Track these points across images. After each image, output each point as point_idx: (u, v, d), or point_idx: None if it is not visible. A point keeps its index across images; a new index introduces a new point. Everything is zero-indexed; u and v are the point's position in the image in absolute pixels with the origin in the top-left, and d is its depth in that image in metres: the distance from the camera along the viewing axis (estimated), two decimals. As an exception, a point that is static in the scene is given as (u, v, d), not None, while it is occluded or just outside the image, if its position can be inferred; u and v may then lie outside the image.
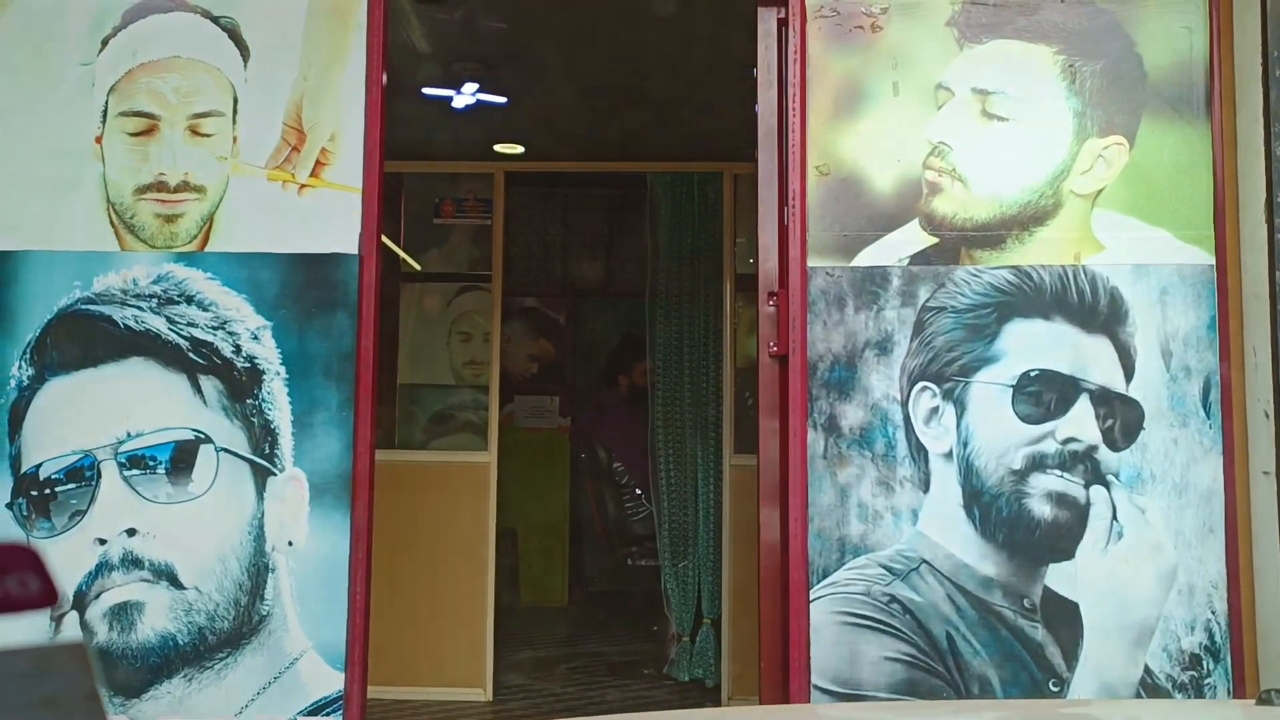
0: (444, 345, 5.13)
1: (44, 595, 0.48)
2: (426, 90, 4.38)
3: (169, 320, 2.69)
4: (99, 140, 2.78)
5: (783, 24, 2.79)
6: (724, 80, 3.96)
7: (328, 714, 2.61)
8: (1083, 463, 2.60)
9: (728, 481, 4.56)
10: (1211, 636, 2.58)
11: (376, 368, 2.74)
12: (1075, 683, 2.55)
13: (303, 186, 2.76)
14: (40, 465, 2.66)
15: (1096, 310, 2.64)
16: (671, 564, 4.76)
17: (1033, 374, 2.62)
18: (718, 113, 4.39)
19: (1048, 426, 2.60)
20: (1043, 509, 2.59)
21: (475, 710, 4.33)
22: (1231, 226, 2.70)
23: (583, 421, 6.84)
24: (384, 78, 2.80)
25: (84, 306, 2.71)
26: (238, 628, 2.63)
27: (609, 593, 6.77)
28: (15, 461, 2.67)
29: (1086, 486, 2.59)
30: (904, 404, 2.64)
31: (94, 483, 2.64)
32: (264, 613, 2.63)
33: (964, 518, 2.60)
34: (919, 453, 2.63)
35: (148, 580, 2.61)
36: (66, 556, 2.60)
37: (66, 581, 2.61)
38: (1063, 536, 2.59)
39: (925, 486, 2.62)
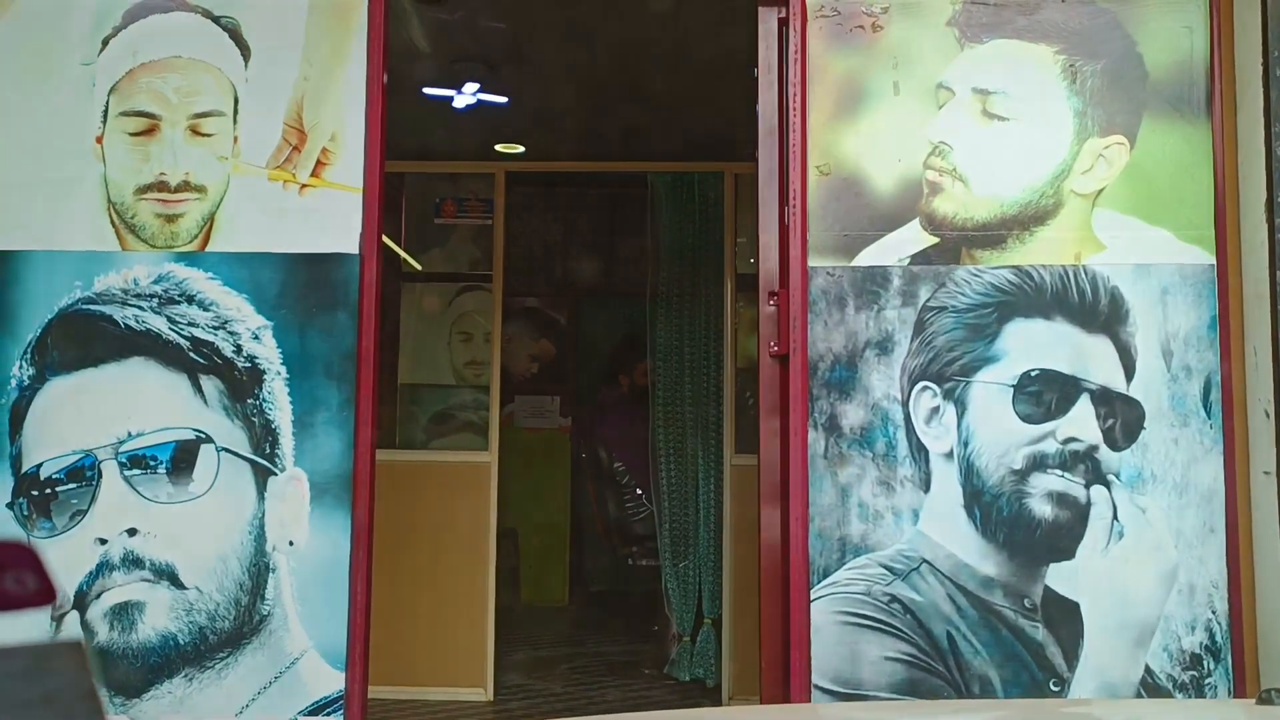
0: (445, 345, 5.13)
1: (41, 593, 0.48)
2: (427, 90, 4.39)
3: (170, 320, 2.69)
4: (100, 140, 2.78)
5: (783, 24, 2.79)
6: (725, 79, 3.96)
7: (328, 714, 2.61)
8: (1083, 462, 2.60)
9: (728, 481, 4.56)
10: (1212, 636, 2.58)
11: (377, 367, 2.74)
12: (1076, 682, 2.55)
13: (303, 186, 2.76)
14: (41, 465, 2.66)
15: (1097, 310, 2.64)
16: (672, 564, 4.76)
17: (1033, 374, 2.62)
18: (718, 112, 4.39)
19: (1048, 426, 2.60)
20: (1043, 509, 2.59)
21: (476, 710, 4.33)
22: (1232, 226, 2.70)
23: (583, 421, 6.84)
24: (385, 78, 2.81)
25: (85, 306, 2.71)
26: (238, 627, 2.63)
27: (610, 592, 6.77)
28: (16, 461, 2.67)
29: (1087, 486, 2.59)
30: (904, 404, 2.64)
31: (95, 482, 2.64)
32: (265, 612, 2.63)
33: (965, 517, 2.60)
34: (919, 452, 2.63)
35: (148, 580, 2.62)
36: (67, 556, 2.60)
37: (67, 581, 2.61)
38: (1063, 536, 2.59)
39: (926, 486, 2.62)
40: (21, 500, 2.66)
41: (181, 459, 2.65)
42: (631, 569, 5.68)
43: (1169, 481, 2.60)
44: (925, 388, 2.64)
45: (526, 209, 6.86)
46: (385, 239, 3.62)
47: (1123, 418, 2.61)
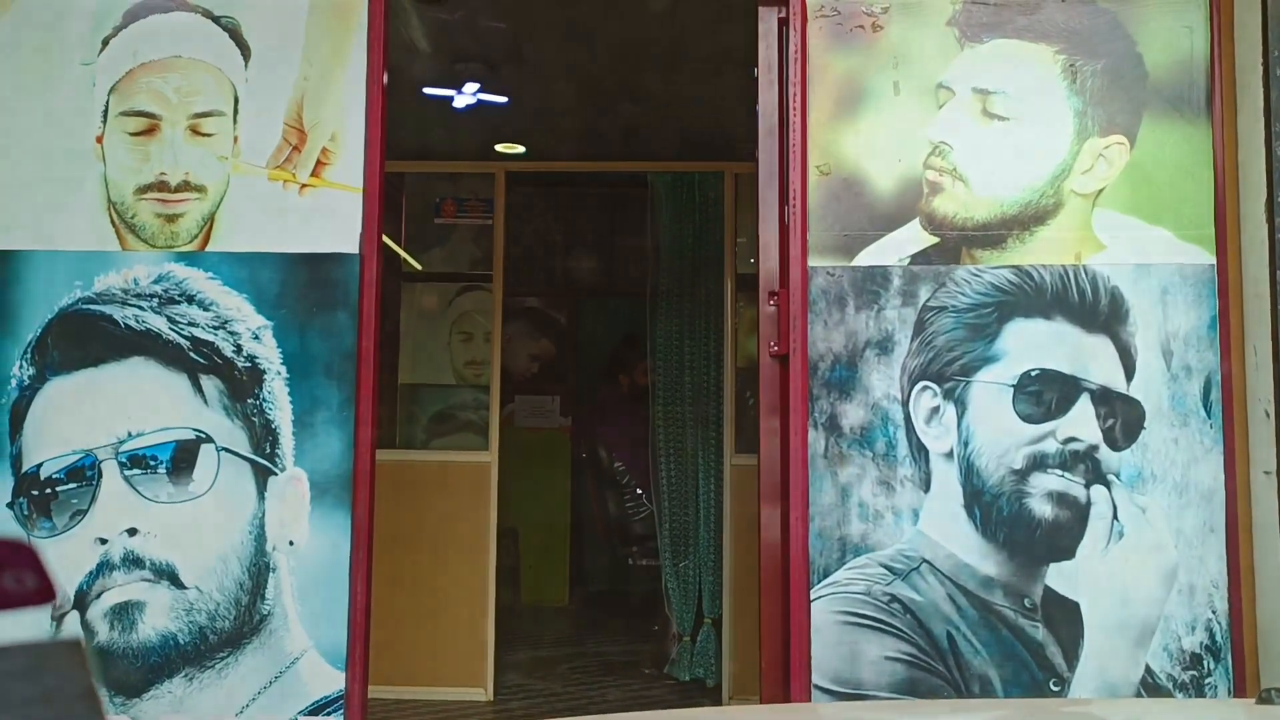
0: (445, 345, 5.13)
1: (40, 592, 0.48)
2: (427, 90, 4.39)
3: (170, 320, 2.69)
4: (100, 140, 2.78)
5: (783, 23, 2.79)
6: (725, 79, 3.96)
7: (328, 713, 2.61)
8: (1083, 462, 2.60)
9: (728, 481, 4.56)
10: (1212, 636, 2.58)
11: (377, 367, 2.74)
12: (1076, 682, 2.55)
13: (304, 186, 2.76)
14: (41, 465, 2.66)
15: (1097, 310, 2.64)
16: (672, 563, 4.76)
17: (1033, 373, 2.62)
18: (718, 111, 4.39)
19: (1048, 426, 2.60)
20: (1043, 508, 2.59)
21: (476, 710, 4.33)
22: (1232, 226, 2.70)
23: (583, 421, 6.84)
24: (385, 77, 2.81)
25: (85, 306, 2.71)
26: (238, 627, 2.63)
27: (610, 592, 6.77)
28: (16, 461, 2.67)
29: (1087, 486, 2.59)
30: (905, 403, 2.64)
31: (95, 482, 2.64)
32: (265, 612, 2.63)
33: (965, 517, 2.60)
34: (920, 452, 2.63)
35: (149, 580, 2.62)
36: (67, 556, 2.60)
37: (67, 581, 2.61)
38: (1063, 536, 2.59)
39: (926, 486, 2.62)
40: (22, 500, 2.66)
41: (181, 459, 2.65)
42: (631, 569, 5.68)
43: (1169, 481, 2.60)
44: (925, 387, 2.64)
45: (527, 209, 6.86)
46: (385, 239, 3.62)
47: (1123, 417, 2.61)
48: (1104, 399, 2.61)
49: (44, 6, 2.82)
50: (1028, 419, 2.60)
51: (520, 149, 4.98)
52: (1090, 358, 2.62)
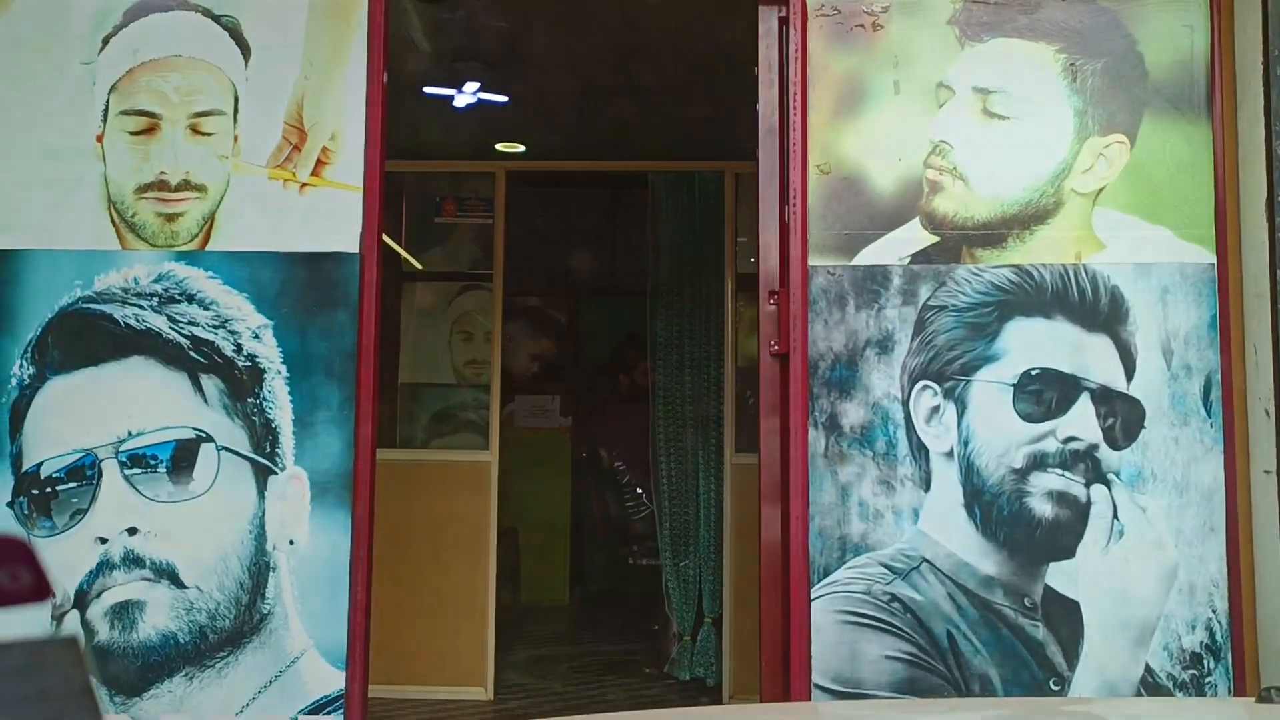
0: (445, 344, 5.13)
1: (36, 589, 0.48)
2: (428, 89, 4.38)
3: (170, 319, 2.69)
4: (100, 139, 2.78)
5: (784, 22, 2.78)
6: (725, 78, 3.96)
7: (329, 713, 2.62)
8: (1083, 461, 2.59)
9: (729, 480, 4.56)
10: (1212, 635, 2.58)
11: (377, 366, 2.74)
12: (1076, 681, 2.55)
13: (304, 185, 2.76)
14: (41, 464, 2.66)
15: (1097, 309, 2.64)
16: (672, 563, 4.76)
17: (1034, 373, 2.62)
18: (719, 110, 4.39)
19: (1049, 425, 2.60)
20: (1043, 508, 2.59)
21: (476, 709, 4.33)
22: (1232, 225, 2.70)
23: (583, 420, 6.84)
24: (385, 77, 2.81)
25: (85, 305, 2.71)
26: (239, 626, 2.63)
27: (610, 592, 6.77)
28: (16, 460, 2.67)
29: (1087, 485, 2.59)
30: (905, 403, 2.64)
31: (95, 481, 2.64)
32: (265, 611, 2.63)
33: (965, 516, 2.60)
34: (920, 451, 2.63)
35: (149, 579, 2.62)
36: (67, 555, 2.60)
37: (68, 580, 2.61)
38: (1064, 535, 2.58)
39: (926, 485, 2.62)
40: (22, 499, 2.66)
41: (182, 458, 2.65)
42: (632, 568, 5.68)
43: (1169, 480, 2.60)
44: (925, 387, 2.64)
45: (527, 208, 6.85)
46: (385, 238, 3.62)
47: (1123, 417, 2.61)
48: (1104, 398, 2.61)
49: (44, 5, 2.82)
50: (1028, 418, 2.60)
51: (520, 148, 4.98)
52: (1090, 357, 2.62)
